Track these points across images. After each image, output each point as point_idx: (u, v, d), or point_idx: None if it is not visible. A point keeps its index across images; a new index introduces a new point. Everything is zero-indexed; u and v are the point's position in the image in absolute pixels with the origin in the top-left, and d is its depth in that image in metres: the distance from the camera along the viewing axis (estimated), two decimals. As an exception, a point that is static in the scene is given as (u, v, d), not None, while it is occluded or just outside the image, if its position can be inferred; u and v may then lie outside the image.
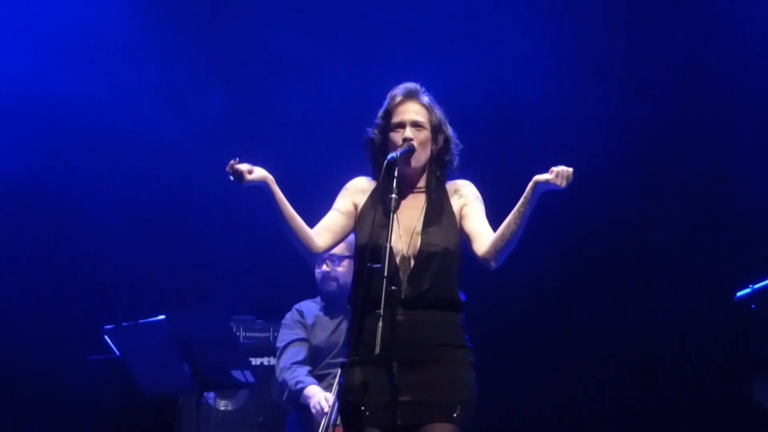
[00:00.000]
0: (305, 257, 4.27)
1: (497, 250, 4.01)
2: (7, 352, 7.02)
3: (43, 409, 6.99)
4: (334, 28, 7.10)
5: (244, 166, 3.96)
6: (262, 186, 4.00)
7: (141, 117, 7.06)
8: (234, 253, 7.10)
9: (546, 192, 3.95)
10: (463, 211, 4.14)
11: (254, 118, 7.12)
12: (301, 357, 5.75)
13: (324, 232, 4.16)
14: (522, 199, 3.98)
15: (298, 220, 4.10)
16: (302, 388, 5.59)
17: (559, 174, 3.91)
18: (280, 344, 5.86)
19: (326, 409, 5.38)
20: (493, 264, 4.06)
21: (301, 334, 5.82)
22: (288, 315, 5.93)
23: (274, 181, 4.02)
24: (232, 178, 3.97)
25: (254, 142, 6.89)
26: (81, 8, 6.98)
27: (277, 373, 5.80)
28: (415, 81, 4.19)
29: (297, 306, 5.93)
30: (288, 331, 5.87)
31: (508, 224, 3.99)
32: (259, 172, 3.99)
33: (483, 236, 4.07)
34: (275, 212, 4.06)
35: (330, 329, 5.79)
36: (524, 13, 7.02)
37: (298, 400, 5.62)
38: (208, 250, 7.06)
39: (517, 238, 4.01)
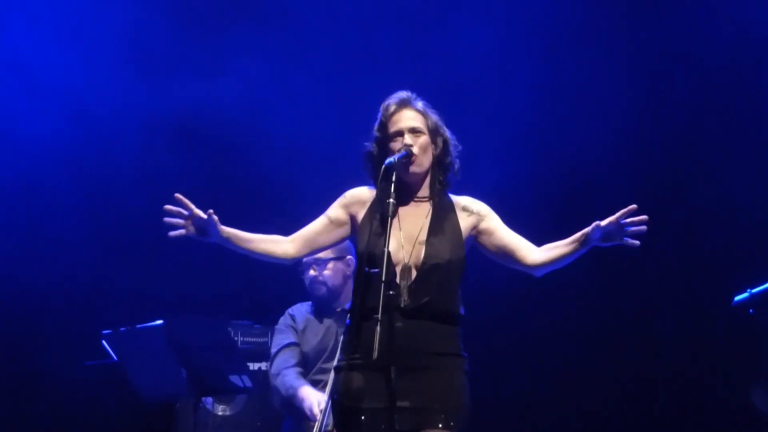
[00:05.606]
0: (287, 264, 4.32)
1: (547, 266, 4.11)
2: (4, 355, 7.01)
3: (39, 413, 6.97)
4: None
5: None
6: (219, 240, 4.13)
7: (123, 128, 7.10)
8: (232, 258, 7.08)
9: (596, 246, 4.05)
10: (483, 227, 4.17)
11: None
12: (291, 362, 5.76)
13: (300, 241, 4.22)
14: (578, 240, 4.05)
15: (256, 242, 4.17)
16: (294, 392, 5.60)
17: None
18: (272, 350, 5.88)
19: (317, 415, 5.38)
20: (539, 274, 4.16)
21: (293, 338, 5.84)
22: (281, 319, 5.94)
23: (219, 222, 4.10)
24: (187, 231, 4.07)
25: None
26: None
27: (270, 379, 5.82)
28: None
29: (289, 310, 5.95)
30: (280, 336, 5.89)
31: (563, 255, 4.08)
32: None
33: (527, 246, 4.14)
34: (237, 250, 4.19)
35: (320, 333, 5.79)
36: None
37: (292, 404, 5.62)
38: (206, 255, 7.04)
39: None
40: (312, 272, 5.79)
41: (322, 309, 5.83)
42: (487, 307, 6.38)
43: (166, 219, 4.08)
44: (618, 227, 3.99)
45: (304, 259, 5.72)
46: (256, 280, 6.92)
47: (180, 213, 4.08)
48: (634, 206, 3.97)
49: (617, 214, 3.98)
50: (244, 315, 6.68)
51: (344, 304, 5.69)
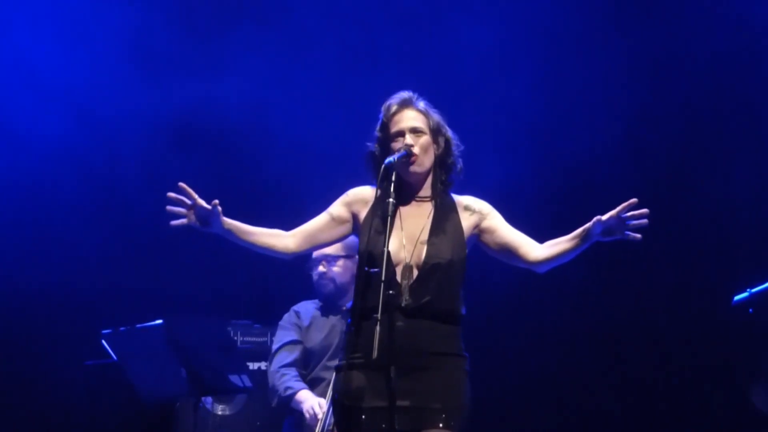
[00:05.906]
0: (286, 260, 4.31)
1: (549, 262, 4.10)
2: (4, 355, 7.01)
3: (39, 413, 6.97)
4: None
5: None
6: (220, 232, 4.11)
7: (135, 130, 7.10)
8: (232, 258, 7.09)
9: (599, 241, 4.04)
10: (485, 225, 4.17)
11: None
12: (290, 360, 5.76)
13: (301, 236, 4.21)
14: (579, 236, 4.04)
15: (257, 235, 4.16)
16: (292, 394, 5.60)
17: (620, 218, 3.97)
18: (273, 346, 5.88)
19: (319, 415, 5.38)
20: (542, 270, 4.15)
21: (295, 336, 5.83)
22: (285, 316, 5.94)
23: (221, 213, 4.09)
24: (189, 220, 4.07)
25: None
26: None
27: (269, 377, 5.81)
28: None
29: (294, 307, 5.95)
30: (282, 333, 5.88)
31: (565, 251, 4.07)
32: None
33: (529, 243, 4.14)
34: (238, 243, 4.17)
35: (325, 330, 5.79)
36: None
37: (289, 405, 5.62)
38: (206, 255, 7.05)
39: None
40: (321, 268, 5.80)
41: (328, 306, 5.83)
42: (487, 307, 6.38)
43: (169, 207, 4.08)
44: (619, 221, 3.99)
45: (314, 255, 5.73)
46: (256, 279, 6.93)
47: (183, 202, 4.08)
48: (634, 200, 3.98)
49: (618, 208, 3.98)
50: (244, 315, 6.69)
51: (350, 302, 5.70)
